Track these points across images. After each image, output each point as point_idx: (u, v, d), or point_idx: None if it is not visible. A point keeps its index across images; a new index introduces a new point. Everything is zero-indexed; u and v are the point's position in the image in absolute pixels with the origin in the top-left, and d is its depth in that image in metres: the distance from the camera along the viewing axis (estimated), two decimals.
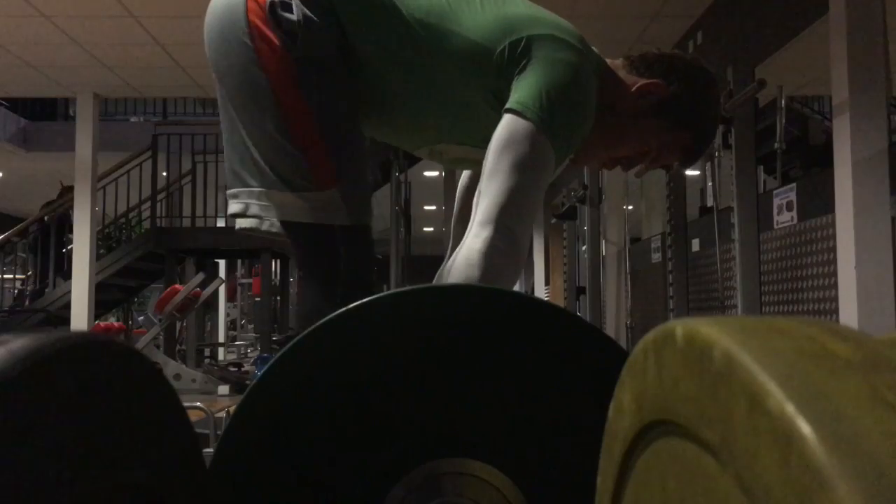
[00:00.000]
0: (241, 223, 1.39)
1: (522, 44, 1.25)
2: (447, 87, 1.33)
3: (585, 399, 0.83)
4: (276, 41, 1.27)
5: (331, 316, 0.84)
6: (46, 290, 8.19)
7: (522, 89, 1.23)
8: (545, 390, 0.86)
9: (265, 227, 1.36)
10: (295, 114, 1.29)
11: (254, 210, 1.34)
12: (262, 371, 0.84)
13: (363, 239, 1.36)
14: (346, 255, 1.34)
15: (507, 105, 1.23)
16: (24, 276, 9.09)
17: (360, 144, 1.35)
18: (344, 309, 0.84)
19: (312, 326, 0.84)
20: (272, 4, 1.26)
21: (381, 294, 0.86)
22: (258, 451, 0.84)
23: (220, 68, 1.34)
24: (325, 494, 0.85)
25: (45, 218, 8.39)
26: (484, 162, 1.22)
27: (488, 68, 1.28)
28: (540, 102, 1.21)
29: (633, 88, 1.34)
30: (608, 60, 1.39)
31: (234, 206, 1.36)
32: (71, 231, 8.37)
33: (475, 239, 1.18)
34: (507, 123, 1.22)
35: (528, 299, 0.93)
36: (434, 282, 1.21)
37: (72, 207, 8.26)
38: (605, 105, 1.34)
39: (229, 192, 1.38)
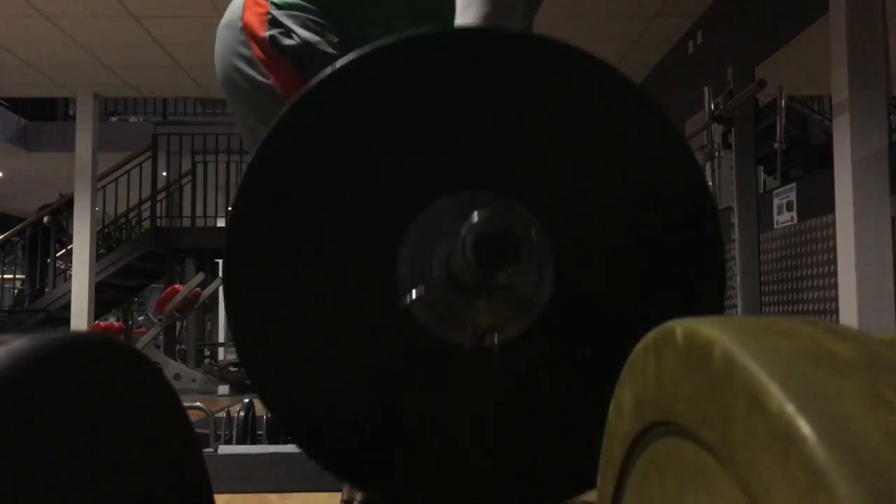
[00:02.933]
0: None
1: None
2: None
3: (602, 134, 0.90)
4: (288, 69, 1.29)
5: (349, 57, 0.87)
6: (46, 290, 8.20)
7: None
8: (563, 126, 0.90)
9: None
10: None
11: None
12: (286, 108, 0.87)
13: None
14: None
15: None
16: (23, 276, 9.10)
17: None
18: (364, 50, 0.88)
19: (354, 54, 0.88)
20: (272, 38, 1.29)
21: (397, 37, 0.89)
22: (280, 183, 0.88)
23: (245, 113, 1.36)
24: (360, 211, 0.89)
25: (45, 219, 8.39)
26: None
27: None
28: None
29: None
30: None
31: None
32: (58, 240, 8.40)
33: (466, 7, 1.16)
34: None
35: (543, 39, 0.95)
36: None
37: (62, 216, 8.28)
38: None
39: None
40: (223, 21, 1.37)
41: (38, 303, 8.02)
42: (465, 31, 1.01)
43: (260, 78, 1.30)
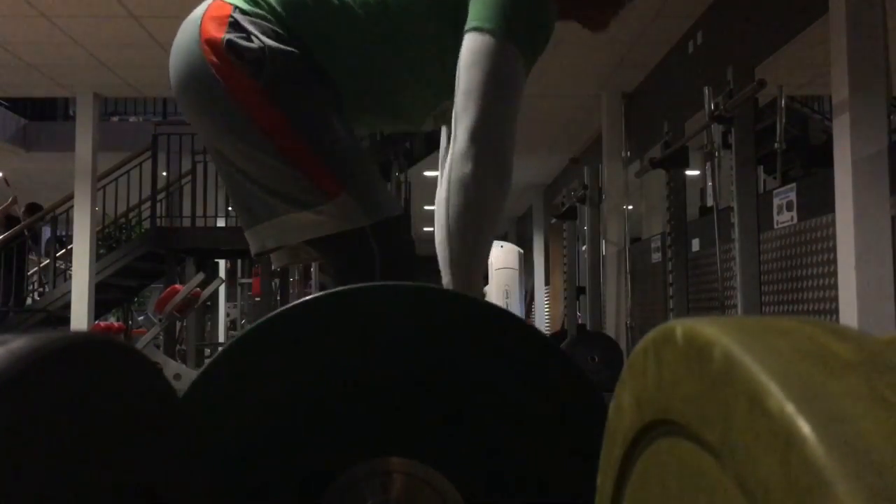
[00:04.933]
0: (274, 260, 1.45)
1: None
2: (418, 44, 1.33)
3: (522, 397, 0.85)
4: (242, 74, 1.27)
5: (273, 313, 0.85)
6: (45, 290, 8.19)
7: (477, 4, 1.24)
8: (476, 386, 0.87)
9: (298, 257, 1.44)
10: (281, 136, 1.28)
11: (271, 243, 1.36)
12: (205, 365, 0.84)
13: (393, 232, 1.34)
14: (380, 254, 1.32)
15: (467, 25, 1.24)
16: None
17: (353, 143, 1.35)
18: (287, 306, 0.85)
19: (256, 322, 0.85)
20: (229, 42, 1.26)
21: (311, 296, 0.87)
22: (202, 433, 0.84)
23: (199, 117, 1.35)
24: (262, 489, 0.85)
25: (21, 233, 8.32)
26: (456, 82, 1.23)
27: (446, 2, 1.28)
28: (496, 11, 1.22)
29: None
30: None
31: (254, 247, 1.40)
32: (31, 252, 8.34)
33: (465, 162, 1.20)
34: (469, 42, 1.23)
35: (457, 296, 0.93)
36: (436, 207, 1.25)
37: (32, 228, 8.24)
38: None
39: (246, 232, 1.40)
40: (188, 18, 1.34)
41: (38, 303, 8.01)
42: (388, 287, 0.96)
43: (211, 79, 1.28)
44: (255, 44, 1.26)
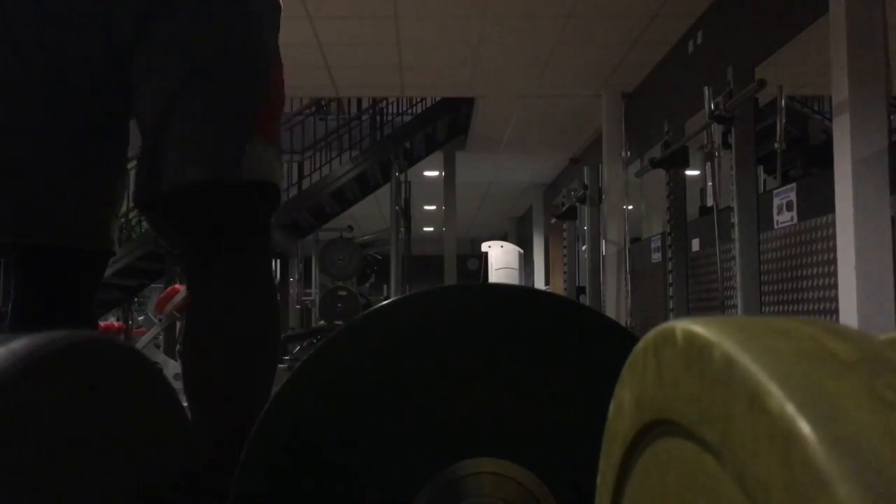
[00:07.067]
0: None
1: None
2: None
3: (606, 393, 0.85)
4: None
5: (353, 319, 0.85)
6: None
7: None
8: (568, 386, 0.87)
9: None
10: None
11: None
12: (298, 366, 0.84)
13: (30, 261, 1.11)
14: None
15: None
16: None
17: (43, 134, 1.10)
18: (368, 311, 0.85)
19: (336, 331, 0.85)
20: None
21: (402, 296, 0.87)
22: (284, 454, 0.84)
23: None
24: (357, 489, 0.85)
25: None
26: None
27: None
28: None
29: None
30: None
31: None
32: None
33: None
34: None
35: (550, 296, 0.93)
36: None
37: None
38: None
39: None
40: None
41: None
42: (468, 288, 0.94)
43: None
44: None
